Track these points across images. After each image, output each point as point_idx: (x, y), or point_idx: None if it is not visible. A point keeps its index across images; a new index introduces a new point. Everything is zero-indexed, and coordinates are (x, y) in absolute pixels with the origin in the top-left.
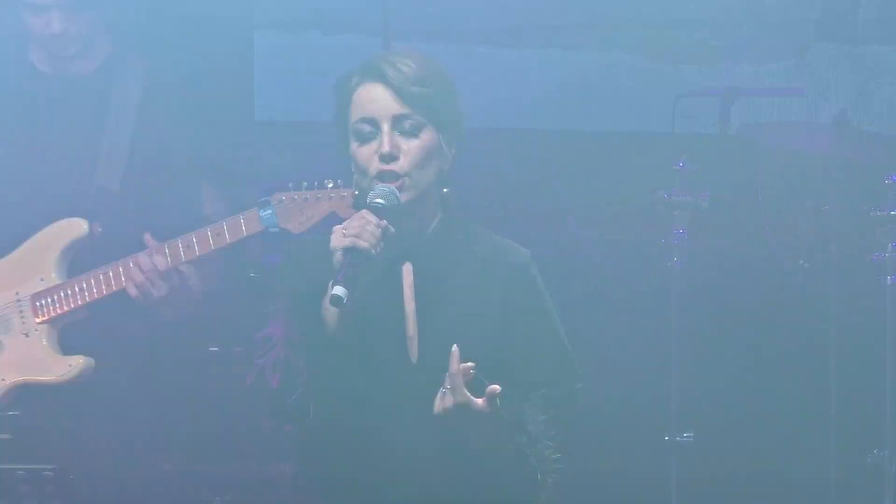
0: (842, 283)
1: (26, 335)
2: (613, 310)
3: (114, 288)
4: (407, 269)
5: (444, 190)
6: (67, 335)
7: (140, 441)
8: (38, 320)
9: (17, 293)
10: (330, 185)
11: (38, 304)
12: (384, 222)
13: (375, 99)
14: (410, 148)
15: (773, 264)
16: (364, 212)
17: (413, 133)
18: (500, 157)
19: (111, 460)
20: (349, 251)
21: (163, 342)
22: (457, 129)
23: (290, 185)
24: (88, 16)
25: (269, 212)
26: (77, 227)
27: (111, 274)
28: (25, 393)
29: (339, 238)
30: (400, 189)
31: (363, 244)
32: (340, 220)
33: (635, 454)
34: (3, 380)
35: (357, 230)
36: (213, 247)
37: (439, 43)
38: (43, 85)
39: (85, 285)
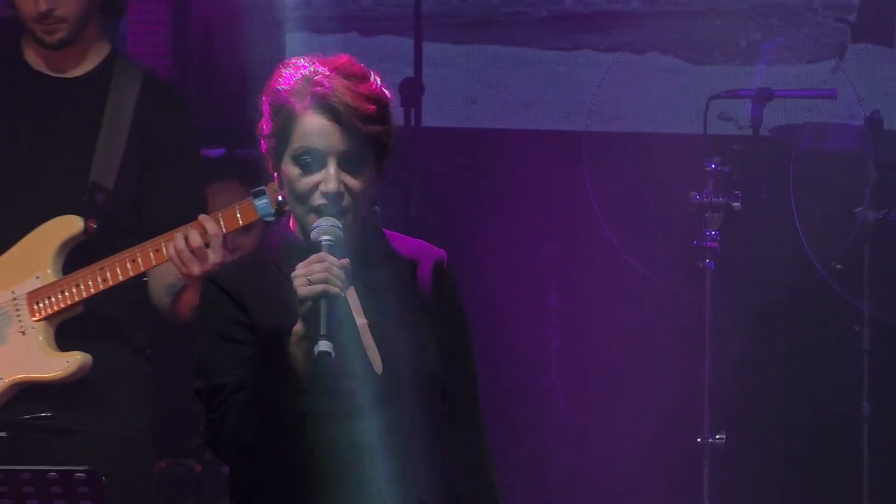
0: (875, 284)
1: (23, 333)
2: (646, 311)
3: (110, 283)
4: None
5: (375, 208)
6: (64, 332)
7: (141, 440)
8: (34, 318)
9: (13, 291)
10: None
11: (34, 302)
12: (345, 260)
13: (323, 133)
14: (355, 185)
15: (806, 266)
16: (322, 254)
17: (358, 170)
18: (531, 159)
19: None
20: (320, 299)
21: (162, 341)
22: (390, 152)
23: None
24: (76, 3)
25: (265, 201)
26: (72, 224)
27: (107, 268)
28: (24, 391)
29: (306, 287)
30: (342, 220)
31: (334, 289)
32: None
33: (667, 456)
34: (2, 378)
35: (323, 275)
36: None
37: (470, 43)
38: (39, 84)
39: (81, 282)
